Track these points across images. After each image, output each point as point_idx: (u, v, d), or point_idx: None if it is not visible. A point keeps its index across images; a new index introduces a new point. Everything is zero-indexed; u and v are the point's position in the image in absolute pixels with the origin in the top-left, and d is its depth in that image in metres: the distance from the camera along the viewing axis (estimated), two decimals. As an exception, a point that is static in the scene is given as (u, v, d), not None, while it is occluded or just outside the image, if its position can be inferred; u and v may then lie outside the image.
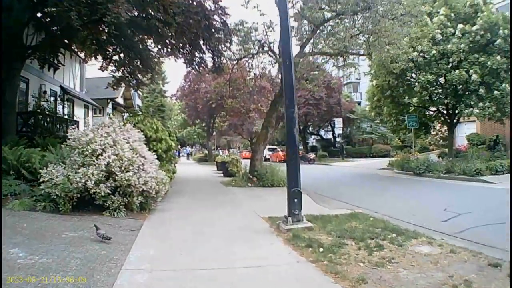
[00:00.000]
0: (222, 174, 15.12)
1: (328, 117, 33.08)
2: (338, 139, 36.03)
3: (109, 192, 5.65)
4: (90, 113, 20.13)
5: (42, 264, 3.24)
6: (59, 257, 3.47)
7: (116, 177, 5.76)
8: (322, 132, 40.00)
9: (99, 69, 13.67)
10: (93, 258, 3.55)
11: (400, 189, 10.54)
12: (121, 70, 13.29)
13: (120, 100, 26.15)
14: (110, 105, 24.05)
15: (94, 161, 5.69)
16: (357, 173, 17.09)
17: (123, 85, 14.41)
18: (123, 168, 5.83)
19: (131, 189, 5.92)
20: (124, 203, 5.91)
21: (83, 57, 15.11)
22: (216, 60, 11.99)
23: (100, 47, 11.88)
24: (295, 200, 5.12)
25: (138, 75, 13.93)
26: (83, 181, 5.43)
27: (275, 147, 40.32)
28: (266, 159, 35.73)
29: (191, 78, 25.53)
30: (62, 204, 5.46)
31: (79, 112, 17.99)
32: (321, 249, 3.96)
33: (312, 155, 29.04)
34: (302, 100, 31.24)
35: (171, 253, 3.98)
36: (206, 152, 34.96)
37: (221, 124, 29.15)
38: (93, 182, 5.47)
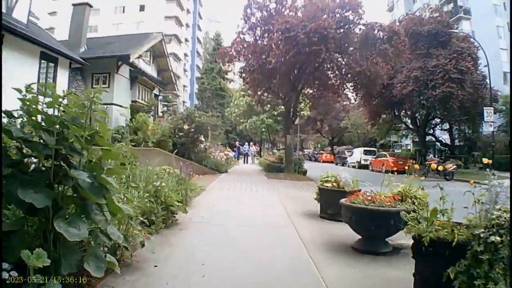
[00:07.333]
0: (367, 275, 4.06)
1: (471, 104, 20.27)
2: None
3: None
4: (60, 75, 11.10)
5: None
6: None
7: None
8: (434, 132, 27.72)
9: None
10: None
11: None
12: None
13: (148, 69, 17.11)
14: (127, 73, 14.90)
15: None
16: None
17: None
18: None
19: None
20: None
21: None
22: None
23: None
24: None
25: None
26: None
27: (372, 149, 28.76)
28: (361, 166, 24.04)
29: (258, 16, 13.31)
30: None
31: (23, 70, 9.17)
32: None
33: (451, 166, 16.57)
34: (438, 71, 19.02)
35: None
36: (279, 154, 20.18)
37: (308, 104, 17.50)
38: None
